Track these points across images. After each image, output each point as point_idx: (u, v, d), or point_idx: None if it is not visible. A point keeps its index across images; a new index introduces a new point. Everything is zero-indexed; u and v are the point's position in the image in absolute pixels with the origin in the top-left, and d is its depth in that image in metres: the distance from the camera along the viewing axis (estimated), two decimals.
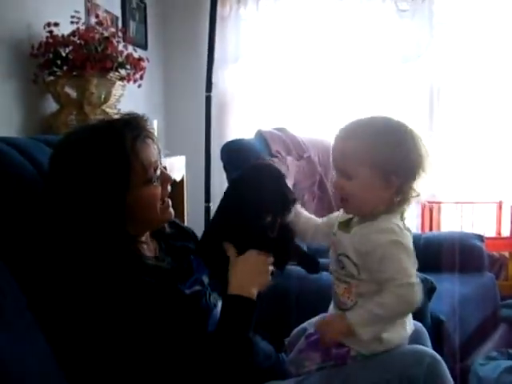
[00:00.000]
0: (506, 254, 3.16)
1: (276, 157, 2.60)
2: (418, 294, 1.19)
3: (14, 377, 0.93)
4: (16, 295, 1.06)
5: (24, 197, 1.26)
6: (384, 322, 1.19)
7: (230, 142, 2.70)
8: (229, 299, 1.23)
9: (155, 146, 1.27)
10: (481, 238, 2.85)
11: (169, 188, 1.32)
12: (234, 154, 2.58)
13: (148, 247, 1.34)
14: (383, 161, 1.19)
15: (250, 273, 1.27)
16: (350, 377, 1.20)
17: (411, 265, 1.20)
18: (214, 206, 3.05)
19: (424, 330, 1.49)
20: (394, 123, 1.24)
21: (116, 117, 1.34)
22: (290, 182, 2.56)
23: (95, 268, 1.16)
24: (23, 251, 1.19)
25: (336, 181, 1.27)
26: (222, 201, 1.38)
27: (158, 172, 1.27)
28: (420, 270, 2.08)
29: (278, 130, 2.87)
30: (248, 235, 1.30)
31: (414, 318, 1.52)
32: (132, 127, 1.24)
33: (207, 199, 2.99)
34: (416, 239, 2.78)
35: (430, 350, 1.24)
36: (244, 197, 1.30)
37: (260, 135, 2.77)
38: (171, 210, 1.33)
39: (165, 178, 1.29)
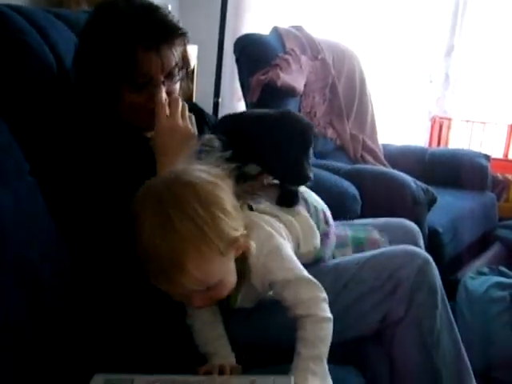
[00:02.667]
0: (510, 176, 3.14)
1: (290, 54, 2.54)
2: None
3: (12, 235, 0.95)
4: (19, 160, 1.06)
5: (29, 64, 1.25)
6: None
7: (244, 35, 2.64)
8: None
9: (160, 60, 1.21)
10: (487, 157, 2.85)
11: (161, 95, 1.24)
12: (249, 48, 2.53)
13: None
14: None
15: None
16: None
17: None
18: (222, 101, 3.01)
19: (418, 230, 1.51)
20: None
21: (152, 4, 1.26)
22: (302, 81, 2.52)
23: (92, 141, 1.21)
24: (29, 119, 1.20)
25: (205, 299, 1.00)
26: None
27: (152, 85, 1.22)
28: (424, 181, 2.13)
29: (295, 28, 2.79)
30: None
31: None
32: (146, 31, 1.19)
33: (216, 94, 2.95)
34: (422, 153, 2.86)
35: (422, 251, 1.23)
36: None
37: (276, 32, 2.71)
38: None
39: (154, 95, 1.23)
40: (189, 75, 1.37)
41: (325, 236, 1.26)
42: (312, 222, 1.22)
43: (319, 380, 0.98)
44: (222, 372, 1.02)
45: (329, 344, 1.01)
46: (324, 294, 1.03)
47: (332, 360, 1.01)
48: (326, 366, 1.00)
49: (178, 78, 1.27)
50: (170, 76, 1.25)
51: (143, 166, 1.20)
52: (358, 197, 1.93)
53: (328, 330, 1.02)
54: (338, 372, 1.03)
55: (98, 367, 1.02)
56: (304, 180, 1.19)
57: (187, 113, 1.27)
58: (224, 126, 1.29)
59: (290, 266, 1.05)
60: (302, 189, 1.25)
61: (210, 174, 0.99)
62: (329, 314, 1.02)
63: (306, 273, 1.05)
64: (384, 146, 2.95)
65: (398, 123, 3.47)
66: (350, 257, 1.28)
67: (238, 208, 1.00)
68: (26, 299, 0.95)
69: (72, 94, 1.27)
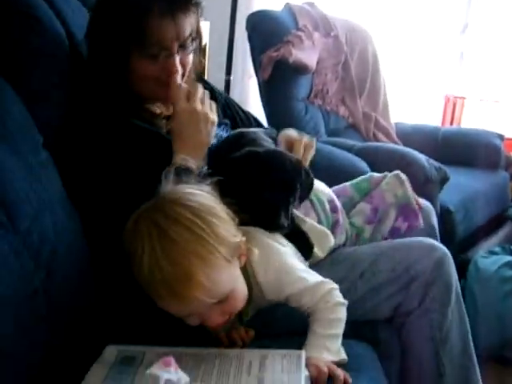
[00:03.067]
0: None
1: (303, 31, 2.52)
2: None
3: (26, 203, 0.96)
4: (33, 132, 1.06)
5: (38, 38, 1.23)
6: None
7: (257, 11, 2.63)
8: None
9: (174, 28, 1.19)
10: (501, 137, 2.82)
11: (176, 77, 1.22)
12: (261, 24, 2.52)
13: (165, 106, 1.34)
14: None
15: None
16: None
17: None
18: (234, 78, 2.99)
19: (431, 207, 1.50)
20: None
21: None
22: (315, 58, 2.50)
23: (102, 114, 1.21)
24: (41, 93, 1.19)
25: (221, 315, 0.97)
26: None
27: (165, 54, 1.21)
28: (437, 161, 2.12)
29: (307, 4, 2.77)
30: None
31: None
32: None
33: (228, 71, 2.93)
34: (435, 132, 2.84)
35: (440, 245, 1.21)
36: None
37: (288, 8, 2.69)
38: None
39: (167, 65, 1.21)
40: (201, 49, 1.36)
41: (335, 224, 1.25)
42: (320, 227, 1.21)
43: (334, 356, 0.99)
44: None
45: (343, 326, 1.03)
46: (335, 285, 1.05)
47: (345, 336, 1.03)
48: (341, 345, 1.01)
49: (191, 48, 1.26)
50: (183, 46, 1.23)
51: (153, 142, 1.21)
52: None
53: (343, 314, 1.04)
54: (351, 347, 1.04)
55: (111, 339, 1.03)
56: (276, 228, 1.12)
57: (207, 99, 1.25)
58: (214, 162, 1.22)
59: (301, 275, 1.05)
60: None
61: (195, 189, 0.98)
62: (342, 300, 1.04)
63: (316, 276, 1.06)
64: (397, 124, 2.93)
65: (411, 102, 3.44)
66: (366, 246, 1.27)
67: (231, 215, 0.98)
68: (41, 267, 0.95)
69: (84, 68, 1.27)
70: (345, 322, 1.03)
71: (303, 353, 0.95)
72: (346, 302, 1.04)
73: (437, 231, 1.50)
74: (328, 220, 1.24)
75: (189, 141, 1.18)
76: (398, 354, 1.21)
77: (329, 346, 0.99)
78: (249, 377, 0.91)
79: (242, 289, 1.00)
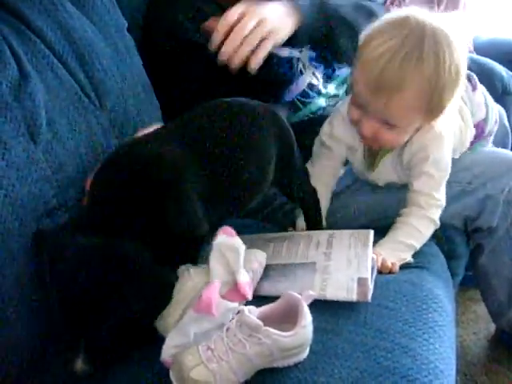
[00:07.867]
0: None
1: None
2: None
3: (110, 80, 1.00)
4: (118, 16, 1.09)
5: None
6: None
7: None
8: None
9: None
10: None
11: None
12: None
13: None
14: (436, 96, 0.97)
15: None
16: None
17: None
18: None
19: (503, 113, 1.47)
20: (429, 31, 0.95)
21: None
22: None
23: None
24: None
25: (373, 130, 1.01)
26: None
27: None
28: None
29: None
30: None
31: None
32: None
33: None
34: None
35: None
36: None
37: None
38: None
39: None
40: None
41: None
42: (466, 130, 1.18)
43: (399, 260, 1.00)
44: None
45: (422, 243, 1.04)
46: (443, 203, 1.06)
47: None
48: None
49: None
50: None
51: None
52: None
53: (428, 231, 1.05)
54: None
55: None
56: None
57: None
58: None
59: (443, 166, 1.06)
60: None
61: None
62: (437, 220, 1.05)
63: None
64: (474, 38, 2.81)
65: (489, 13, 3.28)
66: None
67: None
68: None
69: None
70: (426, 239, 1.05)
71: (371, 232, 0.97)
72: (438, 223, 1.05)
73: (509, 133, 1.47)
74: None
75: None
76: (466, 254, 1.22)
77: (400, 255, 1.01)
78: (316, 251, 0.94)
79: (403, 135, 1.02)
